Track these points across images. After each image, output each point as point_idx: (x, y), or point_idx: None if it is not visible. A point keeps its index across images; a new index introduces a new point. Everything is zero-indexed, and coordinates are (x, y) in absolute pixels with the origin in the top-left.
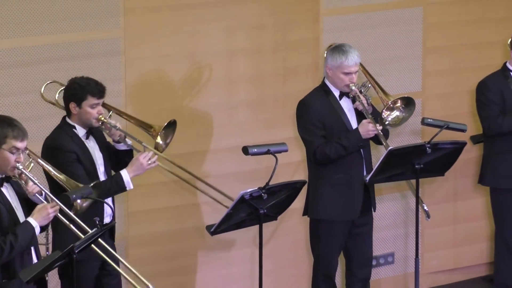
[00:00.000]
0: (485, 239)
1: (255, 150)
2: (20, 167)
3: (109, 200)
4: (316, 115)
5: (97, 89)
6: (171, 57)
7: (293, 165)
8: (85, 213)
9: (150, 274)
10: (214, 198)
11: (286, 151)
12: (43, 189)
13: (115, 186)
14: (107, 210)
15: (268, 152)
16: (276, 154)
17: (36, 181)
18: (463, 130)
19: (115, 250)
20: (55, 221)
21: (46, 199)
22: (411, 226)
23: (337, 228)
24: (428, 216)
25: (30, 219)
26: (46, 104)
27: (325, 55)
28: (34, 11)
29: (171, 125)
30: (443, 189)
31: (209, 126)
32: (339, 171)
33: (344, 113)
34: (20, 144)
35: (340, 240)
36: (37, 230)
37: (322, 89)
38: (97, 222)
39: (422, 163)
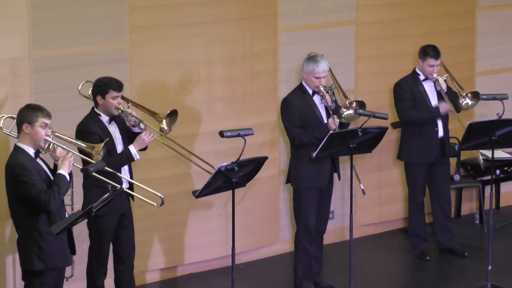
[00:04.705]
0: (401, 200)
1: (229, 133)
2: (50, 139)
3: (126, 171)
4: (296, 110)
5: (117, 85)
6: (165, 64)
7: (257, 145)
8: (109, 178)
9: (150, 227)
10: (201, 167)
11: (252, 134)
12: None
13: (126, 158)
14: (125, 177)
15: (238, 135)
16: (245, 137)
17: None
18: (385, 118)
19: (131, 208)
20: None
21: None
22: (347, 190)
23: (312, 194)
24: (363, 193)
25: (61, 171)
26: (77, 98)
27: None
28: (63, 29)
29: (174, 114)
30: (371, 162)
31: (194, 115)
32: (312, 151)
33: (316, 107)
34: (48, 121)
35: (315, 202)
36: (68, 177)
37: (300, 89)
38: (110, 188)
39: (355, 143)
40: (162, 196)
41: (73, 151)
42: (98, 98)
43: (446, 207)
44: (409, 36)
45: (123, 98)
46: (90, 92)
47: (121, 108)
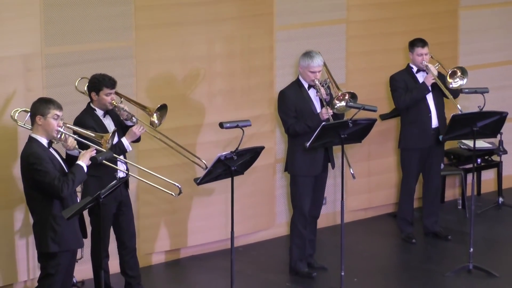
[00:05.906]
0: (389, 187)
1: (228, 124)
2: (61, 129)
3: (122, 162)
4: (291, 102)
5: (110, 83)
6: (169, 60)
7: (255, 135)
8: (105, 169)
9: (155, 213)
10: (189, 158)
11: (250, 125)
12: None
13: (119, 149)
14: (121, 167)
15: (237, 126)
16: (243, 128)
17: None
18: (374, 111)
19: (128, 196)
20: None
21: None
22: (339, 177)
23: (307, 181)
24: (354, 177)
25: (80, 162)
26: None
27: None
28: (73, 27)
29: (164, 108)
30: (361, 152)
31: (196, 108)
32: (306, 141)
33: (311, 100)
34: (59, 113)
35: (310, 189)
36: (85, 168)
37: (297, 83)
38: (117, 177)
39: (346, 133)
40: (180, 186)
41: (88, 142)
42: (93, 94)
43: (436, 195)
44: (396, 34)
45: (116, 93)
46: (85, 88)
47: (114, 103)
